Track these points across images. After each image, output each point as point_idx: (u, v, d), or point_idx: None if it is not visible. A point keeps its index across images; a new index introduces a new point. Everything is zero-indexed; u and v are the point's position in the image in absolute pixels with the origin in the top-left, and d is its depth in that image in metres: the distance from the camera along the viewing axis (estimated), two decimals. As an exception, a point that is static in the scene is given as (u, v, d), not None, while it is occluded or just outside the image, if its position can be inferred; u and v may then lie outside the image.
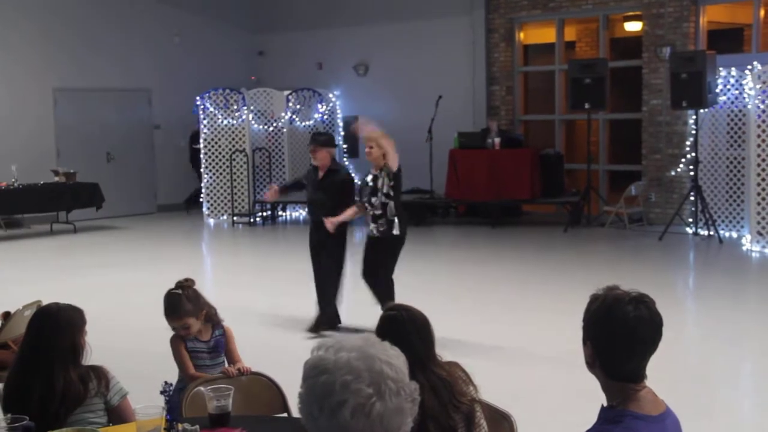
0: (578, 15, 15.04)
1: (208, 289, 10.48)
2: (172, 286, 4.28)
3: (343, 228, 7.45)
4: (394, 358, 1.75)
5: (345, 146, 16.88)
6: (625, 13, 15.00)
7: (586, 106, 13.19)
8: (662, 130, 13.58)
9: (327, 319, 7.60)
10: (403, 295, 8.08)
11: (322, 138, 7.70)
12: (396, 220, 7.07)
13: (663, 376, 3.08)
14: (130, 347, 7.01)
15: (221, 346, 4.24)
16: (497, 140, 14.02)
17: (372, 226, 7.15)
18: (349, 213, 7.23)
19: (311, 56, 17.30)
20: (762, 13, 13.11)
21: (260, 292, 9.53)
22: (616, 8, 14.41)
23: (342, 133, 16.87)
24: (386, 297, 6.90)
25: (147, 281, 10.03)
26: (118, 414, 3.33)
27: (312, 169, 7.69)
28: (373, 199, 7.04)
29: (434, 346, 3.11)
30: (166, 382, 3.22)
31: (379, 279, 7.22)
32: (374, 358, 1.71)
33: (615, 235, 12.87)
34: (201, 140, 15.43)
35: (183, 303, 4.17)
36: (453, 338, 7.06)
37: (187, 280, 4.29)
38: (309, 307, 8.72)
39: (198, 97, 15.37)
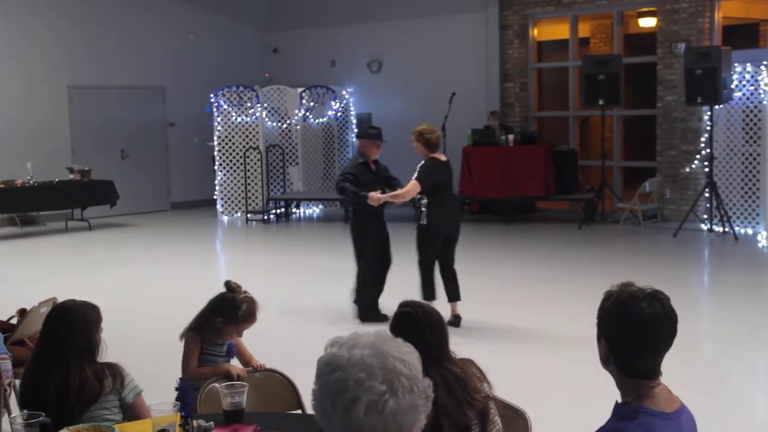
0: (592, 11, 14.98)
1: (222, 286, 10.52)
2: (232, 288, 4.17)
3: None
4: (407, 355, 1.75)
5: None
6: (639, 9, 14.94)
7: (600, 102, 13.14)
8: (677, 126, 13.51)
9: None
10: (413, 293, 8.09)
11: (374, 131, 8.18)
12: (425, 210, 7.35)
13: (678, 372, 3.07)
14: (145, 344, 7.04)
15: (233, 351, 4.23)
16: (510, 137, 13.99)
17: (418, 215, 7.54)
18: (398, 192, 7.65)
19: (325, 53, 17.32)
20: (778, 8, 13.04)
21: (274, 289, 9.54)
22: (630, 4, 14.35)
23: (355, 130, 16.88)
24: (423, 286, 7.46)
25: (162, 278, 10.08)
26: (132, 411, 3.35)
27: (361, 166, 7.87)
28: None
29: (448, 343, 3.11)
30: (181, 379, 3.23)
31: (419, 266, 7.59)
32: (387, 355, 1.72)
33: (629, 232, 12.83)
34: (215, 137, 15.47)
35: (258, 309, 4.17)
36: (467, 335, 7.05)
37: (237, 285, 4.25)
38: (323, 303, 8.74)
39: (212, 95, 15.40)
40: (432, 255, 7.56)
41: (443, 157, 7.74)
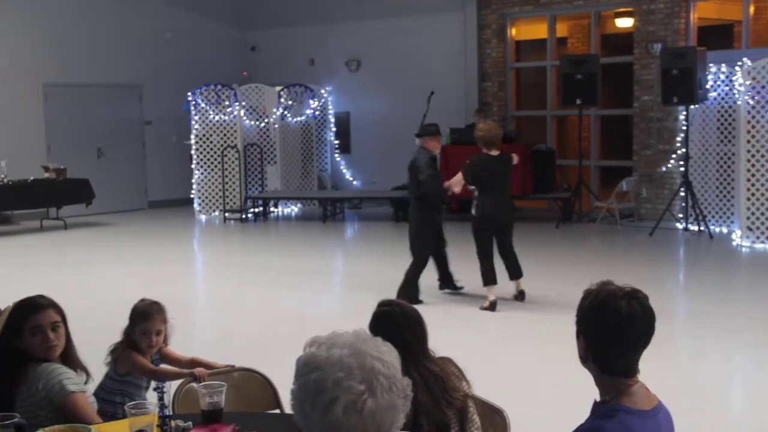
0: (570, 11, 15.06)
1: (199, 286, 10.48)
2: (143, 298, 4.21)
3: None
4: (385, 354, 1.75)
5: (337, 143, 16.88)
6: (616, 10, 15.03)
7: (578, 102, 13.22)
8: (653, 126, 13.61)
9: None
10: (394, 291, 8.10)
11: (433, 128, 8.59)
12: (475, 202, 8.03)
13: (655, 370, 3.09)
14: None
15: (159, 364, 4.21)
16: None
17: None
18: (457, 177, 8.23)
19: (303, 52, 17.29)
20: (752, 9, 13.15)
21: (252, 288, 9.53)
22: (608, 4, 14.43)
23: (334, 129, 16.88)
24: (483, 272, 8.08)
25: (138, 277, 10.02)
26: (65, 412, 3.30)
27: (433, 161, 8.42)
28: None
29: (427, 342, 3.11)
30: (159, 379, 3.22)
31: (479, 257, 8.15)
32: (366, 355, 1.71)
33: (606, 231, 12.91)
34: (192, 136, 15.40)
35: (161, 308, 4.15)
36: (444, 335, 7.07)
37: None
38: (301, 302, 8.73)
39: (189, 93, 15.33)
40: (485, 244, 8.11)
41: (495, 152, 8.09)
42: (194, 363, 4.16)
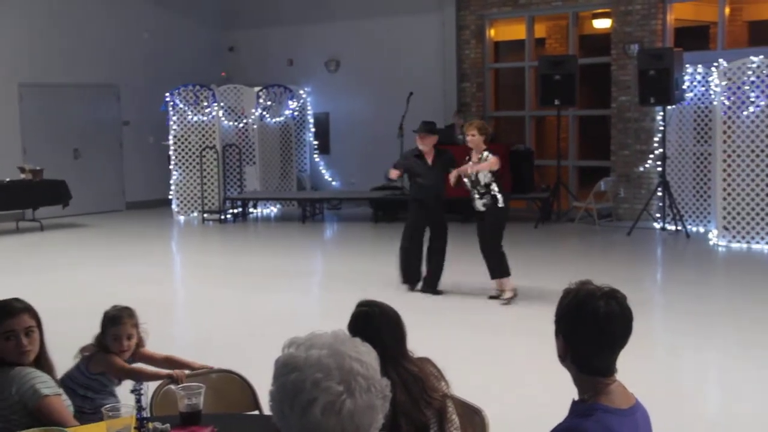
0: (548, 12, 15.11)
1: (178, 287, 10.43)
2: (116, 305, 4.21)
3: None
4: (364, 355, 1.75)
5: (316, 143, 16.86)
6: (593, 11, 15.10)
7: (556, 102, 13.28)
8: (630, 126, 13.69)
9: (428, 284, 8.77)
10: (373, 292, 8.10)
11: (430, 126, 8.87)
12: (499, 195, 8.15)
13: (633, 369, 3.11)
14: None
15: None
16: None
17: (479, 202, 8.22)
18: (462, 168, 8.27)
19: (282, 52, 17.25)
20: (727, 10, 13.25)
21: (231, 289, 9.49)
22: (586, 5, 14.51)
23: (313, 130, 16.86)
24: (498, 266, 8.29)
25: (115, 279, 9.95)
26: (39, 416, 3.28)
27: (415, 158, 8.75)
28: (482, 180, 8.13)
29: (406, 342, 3.11)
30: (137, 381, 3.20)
31: (491, 250, 8.32)
32: (344, 355, 1.71)
33: (584, 231, 12.97)
34: (170, 137, 15.33)
35: (131, 313, 4.15)
36: (423, 335, 7.07)
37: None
38: (280, 303, 8.71)
39: (167, 94, 15.26)
40: (503, 235, 8.37)
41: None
42: (169, 361, 4.16)
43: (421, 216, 8.82)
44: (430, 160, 8.72)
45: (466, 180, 8.25)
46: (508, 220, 8.44)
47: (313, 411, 1.67)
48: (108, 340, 4.06)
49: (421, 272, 8.90)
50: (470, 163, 8.26)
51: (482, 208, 8.23)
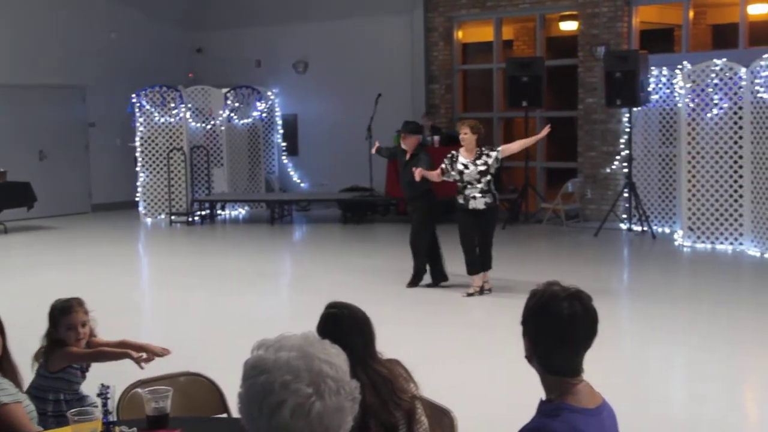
0: (515, 14, 15.20)
1: (145, 290, 10.35)
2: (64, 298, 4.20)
3: (427, 199, 8.98)
4: (334, 357, 1.75)
5: (285, 145, 16.81)
6: (561, 13, 15.20)
7: (524, 104, 13.36)
8: (597, 128, 13.81)
9: (417, 276, 9.11)
10: (342, 293, 8.08)
11: (411, 126, 9.23)
12: (496, 194, 8.65)
13: (599, 369, 3.14)
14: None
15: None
16: (437, 138, 14.11)
17: (481, 200, 8.49)
18: (432, 173, 8.61)
19: (250, 54, 17.18)
20: (691, 14, 13.42)
21: (198, 291, 9.44)
22: (553, 8, 14.61)
23: (281, 131, 16.81)
24: (490, 260, 8.71)
25: (81, 282, 9.85)
26: (0, 423, 3.25)
27: (401, 152, 9.16)
28: (484, 178, 8.46)
29: (375, 344, 3.11)
30: (102, 385, 3.17)
31: (490, 245, 8.71)
32: (313, 357, 1.71)
33: (552, 232, 13.06)
34: (137, 138, 15.20)
35: (80, 301, 4.15)
36: (393, 336, 7.08)
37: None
38: (248, 305, 8.68)
39: (134, 95, 15.13)
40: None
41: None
42: (123, 345, 4.16)
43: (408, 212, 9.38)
44: (408, 157, 9.04)
45: (461, 178, 8.50)
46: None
47: (282, 413, 1.67)
48: (61, 332, 4.04)
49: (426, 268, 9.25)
50: (439, 167, 8.63)
51: (483, 207, 8.51)
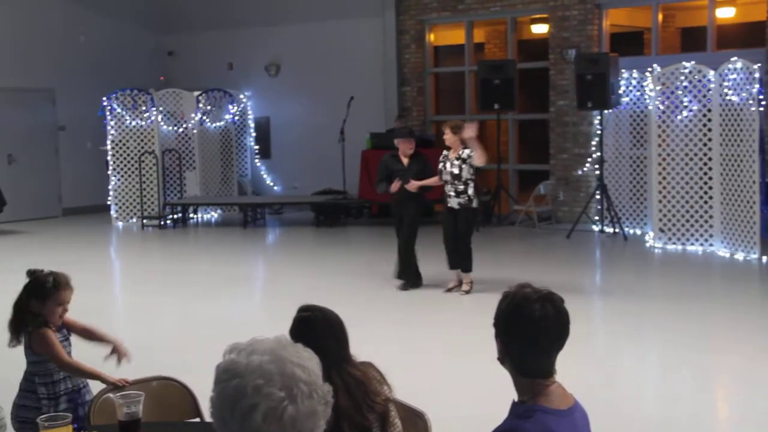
0: (487, 17, 15.26)
1: (117, 294, 10.26)
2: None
3: (421, 201, 9.19)
4: (306, 361, 1.74)
5: (257, 148, 16.77)
6: (531, 16, 15.29)
7: (496, 106, 13.41)
8: (569, 130, 13.90)
9: (410, 279, 9.17)
10: (315, 296, 8.07)
11: (405, 131, 9.53)
12: (474, 197, 8.68)
13: (571, 370, 3.16)
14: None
15: (68, 333, 4.11)
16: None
17: (455, 200, 8.66)
18: (431, 180, 8.88)
19: (221, 56, 17.11)
20: (660, 17, 13.55)
21: (171, 295, 9.38)
22: (523, 11, 14.68)
23: (254, 134, 16.76)
24: (465, 261, 8.80)
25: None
26: None
27: (391, 159, 9.15)
28: (459, 177, 8.60)
29: (348, 346, 3.11)
30: (72, 389, 3.14)
31: (463, 245, 8.81)
32: (286, 361, 1.71)
33: (525, 234, 13.12)
34: (108, 141, 15.08)
35: (67, 276, 4.07)
36: (367, 338, 7.08)
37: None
38: (221, 309, 8.64)
39: (105, 98, 15.01)
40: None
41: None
42: (87, 332, 4.12)
43: (396, 216, 9.39)
44: (406, 162, 9.09)
45: (446, 177, 8.68)
46: (478, 220, 8.95)
47: (254, 417, 1.67)
48: (49, 307, 3.92)
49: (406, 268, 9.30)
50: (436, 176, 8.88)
51: (457, 206, 8.64)
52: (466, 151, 8.60)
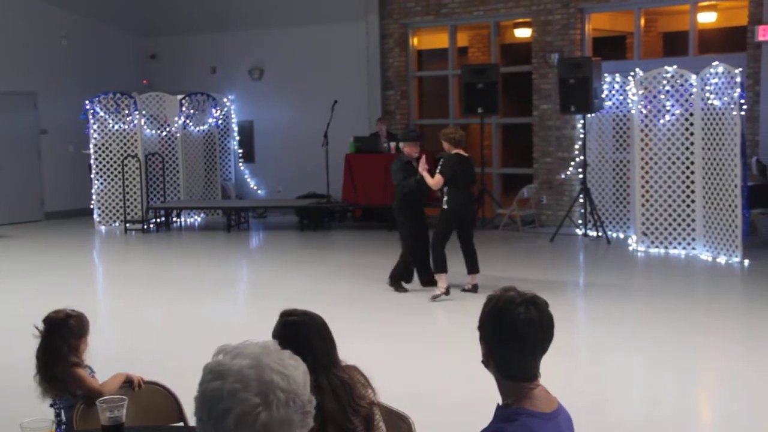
0: (470, 21, 15.30)
1: (100, 298, 10.21)
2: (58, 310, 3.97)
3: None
4: (290, 369, 1.73)
5: (241, 152, 16.74)
6: (514, 20, 15.34)
7: (479, 110, 13.45)
8: (552, 134, 13.95)
9: (425, 275, 9.21)
10: (300, 299, 8.06)
11: (413, 134, 9.62)
12: (446, 197, 8.78)
13: (555, 373, 3.16)
14: (14, 359, 6.75)
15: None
16: (393, 144, 14.13)
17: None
18: (430, 180, 8.81)
19: (204, 60, 17.07)
20: (642, 22, 13.63)
21: (154, 300, 9.34)
22: (507, 15, 14.73)
23: (237, 138, 16.72)
24: (434, 259, 8.86)
25: (32, 291, 9.69)
26: None
27: (405, 162, 9.15)
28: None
29: (335, 350, 3.11)
30: (57, 395, 3.13)
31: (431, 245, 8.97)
32: (266, 367, 1.70)
33: (508, 237, 13.15)
34: (91, 145, 15.01)
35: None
36: (351, 341, 7.08)
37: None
38: (205, 312, 8.61)
39: (87, 101, 14.94)
40: (444, 233, 8.85)
41: (465, 153, 8.91)
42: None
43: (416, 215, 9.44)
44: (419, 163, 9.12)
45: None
46: (449, 222, 8.88)
47: (227, 421, 1.67)
48: (79, 348, 3.86)
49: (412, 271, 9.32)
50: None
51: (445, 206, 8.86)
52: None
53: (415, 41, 15.71)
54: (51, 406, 3.89)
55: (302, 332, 3.00)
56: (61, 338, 3.82)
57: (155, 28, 17.74)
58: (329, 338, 3.10)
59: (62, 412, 3.87)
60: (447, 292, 8.76)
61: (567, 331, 7.10)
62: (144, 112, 15.07)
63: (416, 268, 9.28)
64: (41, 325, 3.88)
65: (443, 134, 8.91)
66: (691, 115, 10.93)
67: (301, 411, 1.72)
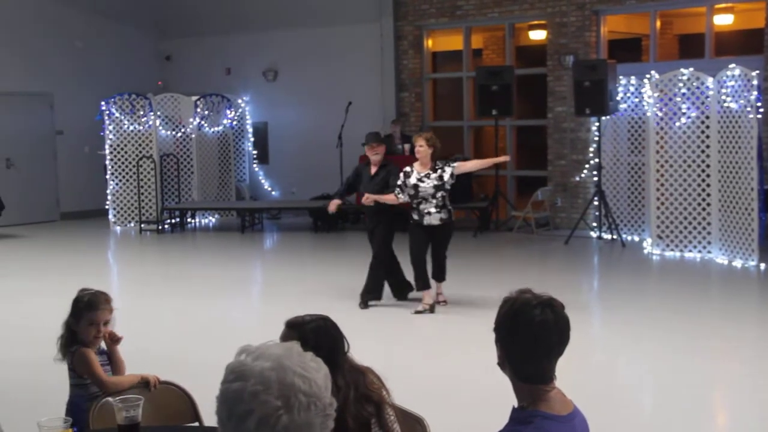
0: (485, 23, 15.29)
1: (115, 297, 10.23)
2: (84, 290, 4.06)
3: (391, 213, 8.65)
4: (311, 371, 1.72)
5: (255, 153, 16.78)
6: (529, 22, 15.32)
7: (494, 112, 13.42)
8: (567, 136, 13.92)
9: (374, 292, 8.70)
10: (313, 301, 8.07)
11: (376, 136, 8.82)
12: (452, 209, 8.38)
13: (571, 376, 3.16)
14: (29, 358, 6.79)
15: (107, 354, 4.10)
16: (407, 146, 14.12)
17: (435, 216, 8.21)
18: (386, 197, 8.36)
19: (219, 61, 17.13)
20: (658, 24, 13.58)
21: (169, 300, 9.37)
22: (521, 17, 14.71)
23: (252, 139, 16.77)
24: (444, 272, 8.50)
25: (48, 291, 9.74)
26: None
27: (362, 167, 8.81)
28: (439, 193, 8.19)
29: (347, 350, 3.12)
30: (72, 394, 3.14)
31: (443, 259, 8.51)
32: (288, 370, 1.70)
33: (523, 240, 13.12)
34: (106, 146, 15.08)
35: (107, 297, 4.04)
36: (366, 343, 7.08)
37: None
38: (219, 313, 8.63)
39: (103, 102, 15.01)
40: (418, 248, 8.40)
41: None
42: (117, 365, 4.05)
43: (368, 228, 8.92)
44: (373, 171, 8.66)
45: (415, 193, 8.22)
46: (420, 234, 8.41)
47: (248, 423, 1.67)
48: (82, 326, 3.92)
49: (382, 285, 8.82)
50: (397, 193, 8.33)
51: (438, 222, 8.24)
52: (448, 169, 8.22)
53: (429, 43, 15.70)
54: (67, 404, 3.90)
55: (327, 335, 3.02)
56: (71, 311, 3.97)
57: (170, 29, 17.81)
58: (343, 340, 3.11)
59: (74, 404, 3.86)
60: (432, 310, 8.33)
61: (581, 334, 7.06)
62: (159, 113, 15.13)
63: (387, 281, 8.83)
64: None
65: (430, 139, 8.32)
66: (707, 117, 10.88)
67: (322, 414, 1.71)
